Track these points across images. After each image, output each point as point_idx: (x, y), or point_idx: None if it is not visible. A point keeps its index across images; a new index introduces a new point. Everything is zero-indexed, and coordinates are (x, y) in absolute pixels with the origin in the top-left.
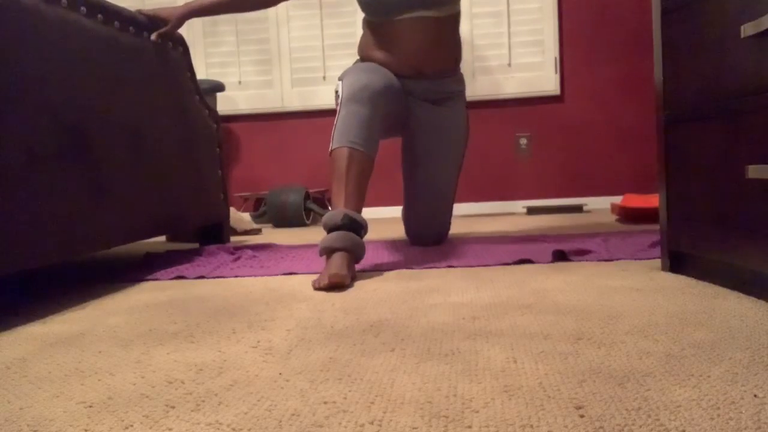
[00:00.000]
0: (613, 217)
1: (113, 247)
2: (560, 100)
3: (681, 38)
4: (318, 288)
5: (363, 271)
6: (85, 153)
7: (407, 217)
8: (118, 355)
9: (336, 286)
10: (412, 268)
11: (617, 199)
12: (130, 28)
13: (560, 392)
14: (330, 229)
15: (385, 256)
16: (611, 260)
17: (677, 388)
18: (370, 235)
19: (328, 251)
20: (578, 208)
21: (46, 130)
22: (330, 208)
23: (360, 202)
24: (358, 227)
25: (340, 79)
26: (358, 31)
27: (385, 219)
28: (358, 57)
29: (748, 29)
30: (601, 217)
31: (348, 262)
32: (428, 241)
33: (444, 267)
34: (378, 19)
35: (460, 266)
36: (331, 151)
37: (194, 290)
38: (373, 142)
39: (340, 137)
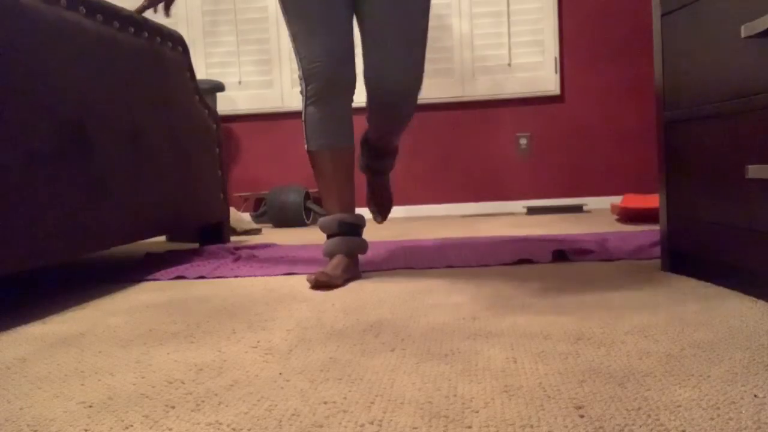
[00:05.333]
0: (613, 217)
1: (113, 247)
2: (560, 100)
3: (681, 38)
4: (309, 281)
5: (363, 271)
6: (84, 153)
7: (368, 77)
8: (118, 355)
9: (322, 285)
10: (412, 268)
11: (617, 199)
12: (130, 28)
13: (560, 392)
14: (329, 235)
15: (384, 256)
16: (611, 260)
17: (677, 388)
18: (371, 236)
19: (330, 255)
20: (578, 208)
21: (46, 130)
22: None
23: (351, 199)
24: (355, 228)
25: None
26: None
27: None
28: None
29: (748, 29)
30: (601, 217)
31: (345, 265)
32: (391, 119)
33: (444, 267)
34: None
35: (460, 266)
36: (309, 150)
37: (194, 290)
38: (348, 129)
39: (315, 136)
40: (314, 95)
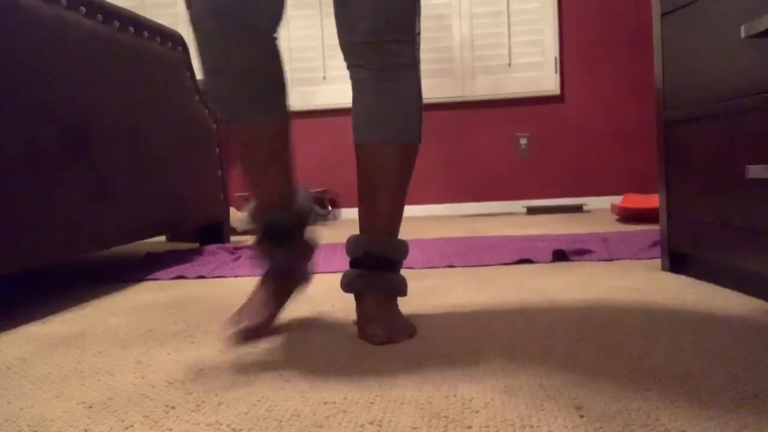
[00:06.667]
0: (613, 217)
1: (113, 247)
2: (560, 100)
3: (681, 38)
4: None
5: None
6: (85, 153)
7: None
8: (118, 356)
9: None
10: (412, 268)
11: (617, 199)
12: (130, 28)
13: (560, 392)
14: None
15: None
16: (611, 260)
17: (677, 388)
18: None
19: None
20: (578, 208)
21: (46, 130)
22: (330, 207)
23: (286, 184)
24: (290, 231)
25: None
26: None
27: None
28: None
29: (748, 29)
30: (601, 217)
31: (265, 298)
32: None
33: (444, 267)
34: None
35: (460, 266)
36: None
37: (194, 290)
38: (266, 91)
39: (216, 102)
40: (197, 39)
